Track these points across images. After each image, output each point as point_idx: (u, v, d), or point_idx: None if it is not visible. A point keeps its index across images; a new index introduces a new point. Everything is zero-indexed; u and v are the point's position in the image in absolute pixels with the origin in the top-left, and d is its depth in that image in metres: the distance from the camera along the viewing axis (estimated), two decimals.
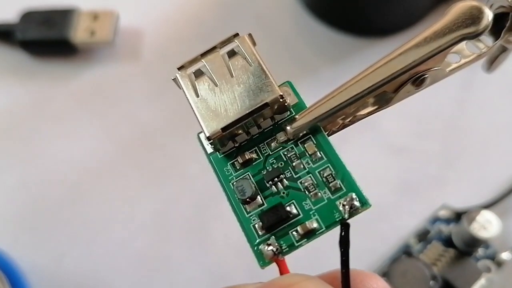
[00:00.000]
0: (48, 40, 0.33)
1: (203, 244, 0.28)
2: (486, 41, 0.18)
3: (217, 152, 0.17)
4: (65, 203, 0.30)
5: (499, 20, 0.18)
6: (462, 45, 0.18)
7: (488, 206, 0.27)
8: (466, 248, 0.26)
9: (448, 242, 0.27)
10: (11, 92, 0.33)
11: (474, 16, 0.16)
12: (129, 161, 0.31)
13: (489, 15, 0.16)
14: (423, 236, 0.27)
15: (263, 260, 0.16)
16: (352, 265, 0.26)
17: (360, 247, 0.27)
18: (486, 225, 0.25)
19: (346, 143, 0.30)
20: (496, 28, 0.18)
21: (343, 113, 0.17)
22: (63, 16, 0.33)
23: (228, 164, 0.17)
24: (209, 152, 0.18)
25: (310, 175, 0.16)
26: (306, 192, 0.16)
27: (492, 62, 0.19)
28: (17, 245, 0.29)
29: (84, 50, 0.34)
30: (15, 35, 0.33)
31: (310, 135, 0.17)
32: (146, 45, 0.34)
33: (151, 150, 0.31)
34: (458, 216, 0.27)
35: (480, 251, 0.26)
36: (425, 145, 0.29)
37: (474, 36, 0.16)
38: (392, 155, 0.29)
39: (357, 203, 0.16)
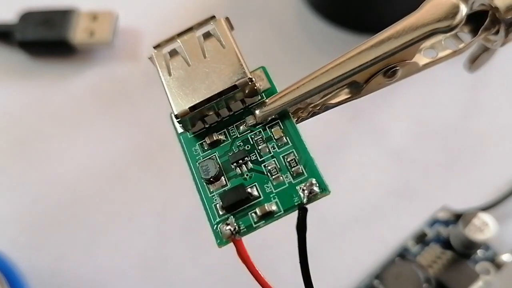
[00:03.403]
0: (47, 41, 0.34)
1: (203, 245, 0.29)
2: (466, 39, 0.19)
3: (187, 132, 0.19)
4: (64, 204, 0.31)
5: (480, 18, 0.19)
6: (440, 41, 0.19)
7: (488, 208, 0.27)
8: (464, 251, 0.27)
9: (446, 244, 0.27)
10: (10, 93, 0.34)
11: (448, 11, 0.17)
12: (129, 162, 0.32)
13: (463, 10, 0.17)
14: (421, 238, 0.28)
15: (220, 239, 0.17)
16: (352, 266, 0.27)
17: (359, 249, 0.28)
18: (483, 227, 0.26)
19: (346, 144, 0.31)
20: (476, 26, 0.19)
21: (313, 100, 0.18)
22: (62, 16, 0.34)
23: (197, 144, 0.18)
24: (179, 131, 0.19)
25: (274, 159, 0.17)
26: (269, 175, 0.17)
27: (473, 61, 0.20)
28: (16, 246, 0.30)
29: (83, 51, 0.35)
30: (14, 36, 0.34)
31: (278, 120, 0.18)
32: (145, 46, 0.35)
33: (151, 150, 0.32)
34: (457, 218, 0.27)
35: (480, 253, 0.27)
36: (425, 146, 0.30)
37: (446, 31, 0.17)
38: (392, 156, 0.30)
39: (316, 189, 0.17)
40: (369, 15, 0.32)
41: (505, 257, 0.27)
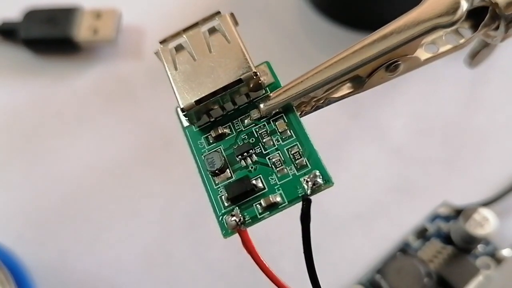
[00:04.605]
0: (51, 39, 0.34)
1: (205, 241, 0.29)
2: (466, 34, 0.19)
3: (193, 126, 0.19)
4: (69, 200, 0.31)
5: (480, 14, 0.19)
6: (441, 36, 0.19)
7: (488, 203, 0.28)
8: (464, 245, 0.27)
9: (447, 239, 0.28)
10: (15, 90, 0.35)
11: (449, 6, 0.17)
12: (133, 158, 0.32)
13: (463, 6, 0.17)
14: (422, 234, 0.28)
15: (226, 230, 0.17)
16: (354, 261, 0.27)
17: (361, 244, 0.28)
18: (483, 223, 0.26)
19: (347, 141, 0.31)
20: (476, 22, 0.19)
21: (316, 94, 0.18)
22: (66, 14, 0.34)
23: (202, 137, 0.19)
24: (185, 125, 0.19)
25: (279, 151, 0.18)
26: (273, 167, 0.18)
27: (474, 57, 0.20)
28: (22, 241, 0.30)
29: (87, 48, 0.35)
30: (18, 34, 0.34)
31: (283, 114, 0.18)
32: (149, 43, 0.35)
33: (154, 147, 0.32)
34: (458, 214, 0.28)
35: (480, 248, 0.27)
36: (425, 143, 0.30)
37: (447, 26, 0.17)
38: (393, 153, 0.30)
39: (320, 180, 0.17)
40: (369, 13, 0.32)
41: (505, 252, 0.27)
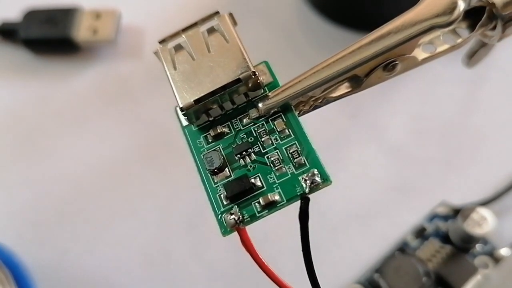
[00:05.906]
0: (51, 39, 0.34)
1: (204, 240, 0.29)
2: (464, 34, 0.19)
3: (192, 125, 0.19)
4: (68, 199, 0.31)
5: (477, 14, 0.19)
6: (438, 36, 0.19)
7: (486, 202, 0.28)
8: (463, 245, 0.27)
9: (445, 238, 0.28)
10: (14, 90, 0.35)
11: (446, 6, 0.18)
12: (132, 158, 0.32)
13: (461, 6, 0.18)
14: (420, 233, 0.28)
15: (224, 228, 0.18)
16: (353, 260, 0.27)
17: (359, 243, 0.29)
18: (481, 222, 0.26)
19: (346, 141, 0.31)
20: (473, 22, 0.19)
21: (314, 94, 0.19)
22: (66, 15, 0.34)
23: (201, 136, 0.19)
24: (184, 124, 0.19)
25: (277, 150, 0.18)
26: (272, 166, 0.18)
27: (471, 57, 0.20)
28: (21, 240, 0.30)
29: (86, 49, 0.35)
30: (18, 34, 0.35)
31: (281, 113, 0.19)
32: (148, 43, 0.35)
33: (154, 147, 0.32)
34: (456, 213, 0.28)
35: (478, 247, 0.27)
36: (423, 142, 0.30)
37: (444, 26, 0.17)
38: (391, 152, 0.30)
39: (318, 179, 0.17)
40: (367, 13, 0.32)
41: (503, 251, 0.27)
